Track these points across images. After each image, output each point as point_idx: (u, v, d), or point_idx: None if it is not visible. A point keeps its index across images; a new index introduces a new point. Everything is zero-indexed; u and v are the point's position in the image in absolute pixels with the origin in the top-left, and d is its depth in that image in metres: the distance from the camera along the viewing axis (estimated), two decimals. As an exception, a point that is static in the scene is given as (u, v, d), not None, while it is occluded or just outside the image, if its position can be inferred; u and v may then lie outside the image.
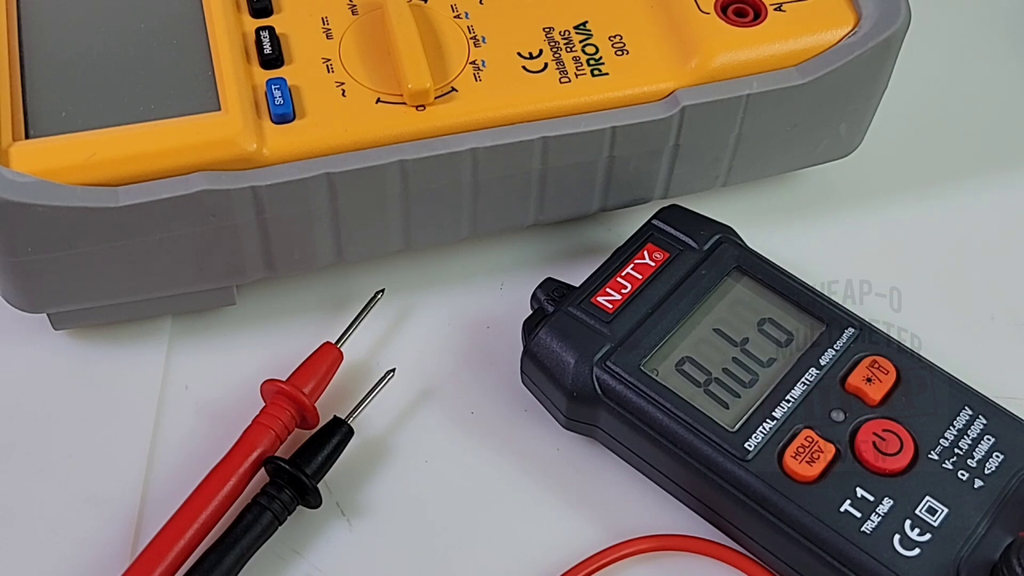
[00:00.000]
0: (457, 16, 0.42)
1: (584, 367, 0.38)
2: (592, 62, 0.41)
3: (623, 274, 0.40)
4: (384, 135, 0.39)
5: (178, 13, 0.41)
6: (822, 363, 0.38)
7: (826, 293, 0.40)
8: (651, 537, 0.38)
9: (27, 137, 0.38)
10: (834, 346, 0.39)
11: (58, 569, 0.38)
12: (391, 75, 0.40)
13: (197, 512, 0.37)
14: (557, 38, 0.41)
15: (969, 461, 0.36)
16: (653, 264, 0.40)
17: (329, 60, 0.40)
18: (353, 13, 0.41)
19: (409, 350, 0.42)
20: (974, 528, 0.35)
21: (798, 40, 0.41)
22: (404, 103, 0.39)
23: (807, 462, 0.36)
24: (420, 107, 0.39)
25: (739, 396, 0.38)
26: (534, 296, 0.41)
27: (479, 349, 0.42)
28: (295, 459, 0.38)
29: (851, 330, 0.39)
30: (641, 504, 0.39)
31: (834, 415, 0.37)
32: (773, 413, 0.37)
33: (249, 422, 0.38)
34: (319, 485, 0.38)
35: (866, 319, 0.39)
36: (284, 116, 0.38)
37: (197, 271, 0.40)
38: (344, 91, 0.39)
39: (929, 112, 0.49)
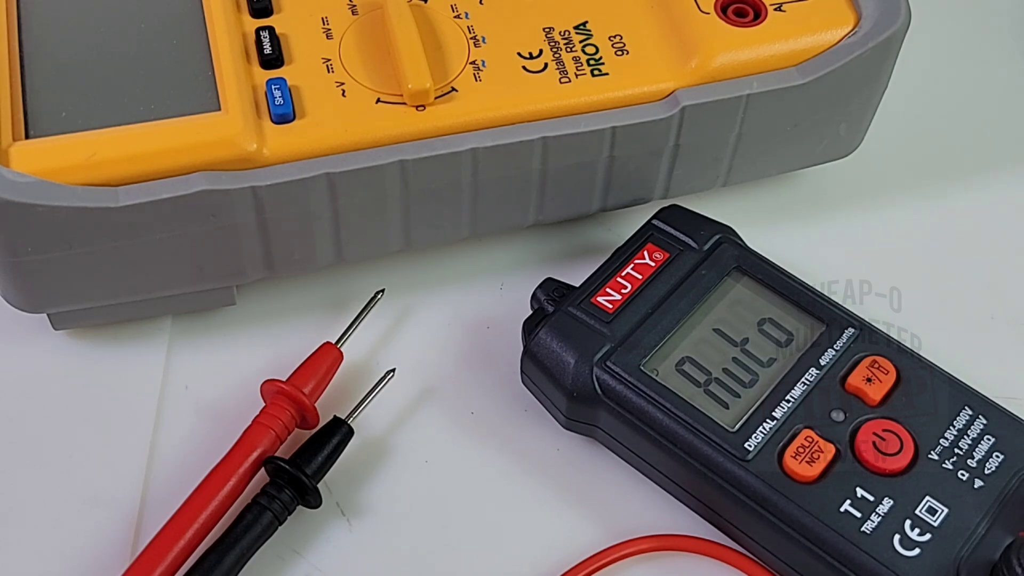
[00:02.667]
0: (457, 16, 0.42)
1: (584, 367, 0.38)
2: (592, 62, 0.41)
3: (623, 274, 0.40)
4: (384, 135, 0.39)
5: (178, 13, 0.41)
6: (822, 363, 0.38)
7: (826, 293, 0.40)
8: (651, 537, 0.38)
9: (27, 137, 0.38)
10: (834, 346, 0.39)
11: (58, 569, 0.38)
12: (391, 75, 0.40)
13: (197, 512, 0.37)
14: (557, 38, 0.41)
15: (969, 461, 0.36)
16: (653, 264, 0.40)
17: (329, 60, 0.40)
18: (353, 13, 0.41)
19: (409, 350, 0.42)
20: (974, 528, 0.35)
21: (798, 40, 0.41)
22: (404, 103, 0.39)
23: (807, 462, 0.36)
24: (420, 107, 0.39)
25: (739, 396, 0.38)
26: (534, 296, 0.41)
27: (479, 349, 0.42)
28: (295, 459, 0.38)
29: (851, 330, 0.39)
30: (641, 504, 0.39)
31: (834, 415, 0.37)
32: (773, 413, 0.37)
33: (249, 422, 0.38)
34: (319, 485, 0.38)
35: (866, 319, 0.39)
36: (284, 116, 0.38)
37: (197, 271, 0.40)
38: (344, 91, 0.39)
39: (929, 112, 0.49)
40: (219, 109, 0.38)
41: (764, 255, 0.41)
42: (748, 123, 0.41)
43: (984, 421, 0.37)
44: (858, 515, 0.35)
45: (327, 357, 0.40)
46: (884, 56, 0.41)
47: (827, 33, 0.41)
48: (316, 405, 0.39)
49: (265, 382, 0.39)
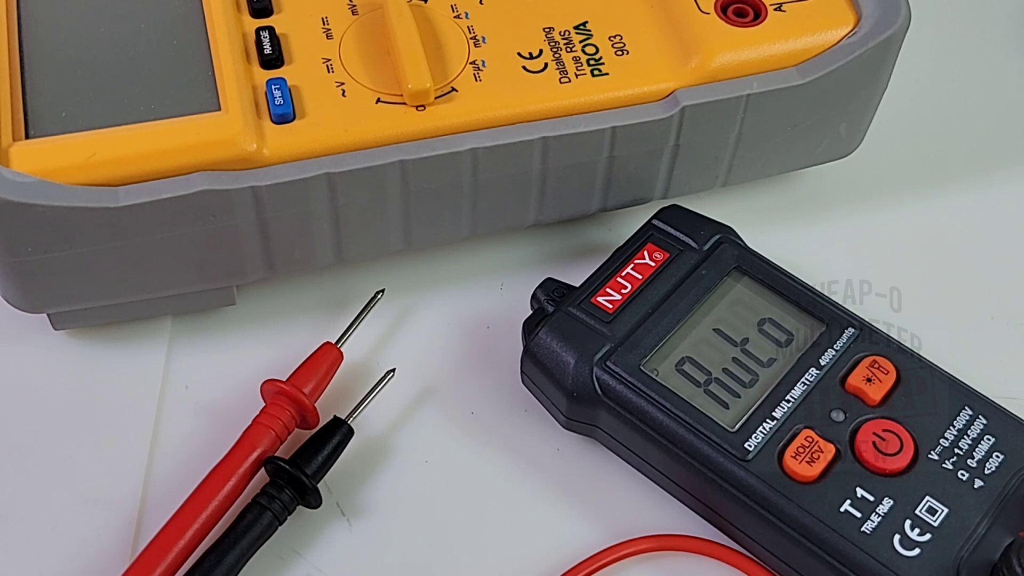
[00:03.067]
0: (457, 16, 0.42)
1: (584, 367, 0.38)
2: (592, 62, 0.41)
3: (623, 274, 0.40)
4: (384, 135, 0.39)
5: (178, 13, 0.41)
6: (822, 363, 0.38)
7: (826, 293, 0.40)
8: (651, 537, 0.38)
9: (27, 137, 0.38)
10: (834, 346, 0.39)
11: (58, 569, 0.38)
12: (391, 75, 0.40)
13: (197, 512, 0.37)
14: (557, 38, 0.41)
15: (969, 461, 0.36)
16: (653, 264, 0.40)
17: (329, 60, 0.40)
18: (353, 13, 0.41)
19: (409, 350, 0.42)
20: (974, 528, 0.35)
21: (798, 40, 0.41)
22: (404, 103, 0.39)
23: (807, 462, 0.36)
24: (420, 107, 0.39)
25: (739, 396, 0.38)
26: (534, 296, 0.41)
27: (479, 349, 0.42)
28: (295, 459, 0.38)
29: (851, 330, 0.39)
30: (641, 504, 0.39)
31: (834, 415, 0.37)
32: (773, 413, 0.37)
33: (249, 422, 0.38)
34: (319, 485, 0.38)
35: (866, 319, 0.39)
36: (284, 116, 0.38)
37: (197, 271, 0.40)
38: (344, 91, 0.39)
39: (929, 112, 0.49)
40: (219, 109, 0.38)
41: (764, 255, 0.41)
42: (748, 123, 0.41)
43: (984, 421, 0.37)
44: (858, 515, 0.35)
45: (327, 357, 0.40)
46: (884, 56, 0.41)
47: (827, 33, 0.41)
48: (316, 405, 0.39)
49: (265, 382, 0.39)
